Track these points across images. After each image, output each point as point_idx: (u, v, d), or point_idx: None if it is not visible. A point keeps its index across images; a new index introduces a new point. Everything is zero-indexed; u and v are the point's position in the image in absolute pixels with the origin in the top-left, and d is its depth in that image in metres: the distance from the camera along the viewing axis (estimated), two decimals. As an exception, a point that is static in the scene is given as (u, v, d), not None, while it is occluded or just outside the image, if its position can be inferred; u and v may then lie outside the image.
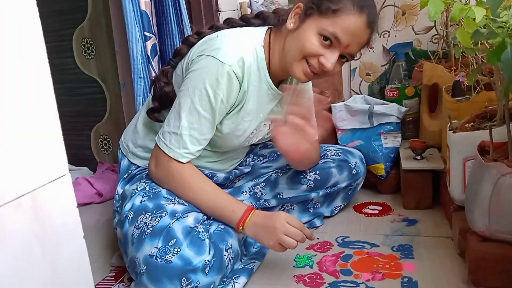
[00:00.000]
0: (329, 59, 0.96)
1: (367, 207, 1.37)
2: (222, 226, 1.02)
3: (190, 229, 0.93)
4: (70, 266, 0.62)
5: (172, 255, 0.89)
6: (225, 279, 0.98)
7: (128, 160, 1.16)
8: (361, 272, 1.02)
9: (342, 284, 0.98)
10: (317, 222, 1.28)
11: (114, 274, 1.14)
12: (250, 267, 1.04)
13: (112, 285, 1.08)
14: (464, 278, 0.95)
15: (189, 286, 0.88)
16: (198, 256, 0.90)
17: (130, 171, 1.14)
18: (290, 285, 1.00)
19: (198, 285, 0.89)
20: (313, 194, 1.24)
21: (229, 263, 0.98)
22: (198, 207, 1.02)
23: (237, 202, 1.03)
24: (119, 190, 1.12)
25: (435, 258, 1.05)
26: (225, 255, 0.96)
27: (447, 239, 1.13)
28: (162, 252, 0.89)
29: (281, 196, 1.23)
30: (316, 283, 1.00)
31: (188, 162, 1.01)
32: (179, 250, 0.89)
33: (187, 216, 0.97)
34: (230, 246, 0.99)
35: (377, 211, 1.34)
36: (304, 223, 1.20)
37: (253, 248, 1.13)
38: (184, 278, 0.88)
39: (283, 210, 1.25)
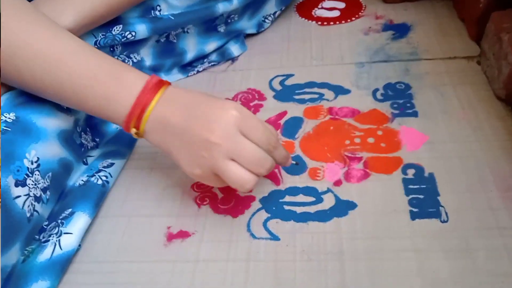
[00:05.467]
0: None
1: (319, 6, 0.79)
2: (12, 117, 0.43)
3: None
4: None
5: None
6: (41, 234, 0.45)
7: None
8: (321, 162, 0.52)
9: (285, 201, 0.48)
10: (234, 48, 0.69)
11: None
12: (99, 183, 0.50)
13: None
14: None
15: None
16: None
17: None
18: (188, 208, 0.50)
19: None
20: (221, 5, 0.62)
21: (32, 208, 0.43)
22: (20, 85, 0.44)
23: (123, 68, 0.42)
24: None
25: (454, 110, 0.55)
26: (16, 197, 0.41)
27: (470, 62, 0.61)
28: None
29: (157, 12, 0.61)
30: (237, 203, 0.48)
31: None
32: None
33: None
34: (35, 163, 0.43)
35: (337, 13, 0.76)
36: (207, 54, 0.66)
37: (113, 127, 0.58)
38: None
39: (166, 39, 0.63)
